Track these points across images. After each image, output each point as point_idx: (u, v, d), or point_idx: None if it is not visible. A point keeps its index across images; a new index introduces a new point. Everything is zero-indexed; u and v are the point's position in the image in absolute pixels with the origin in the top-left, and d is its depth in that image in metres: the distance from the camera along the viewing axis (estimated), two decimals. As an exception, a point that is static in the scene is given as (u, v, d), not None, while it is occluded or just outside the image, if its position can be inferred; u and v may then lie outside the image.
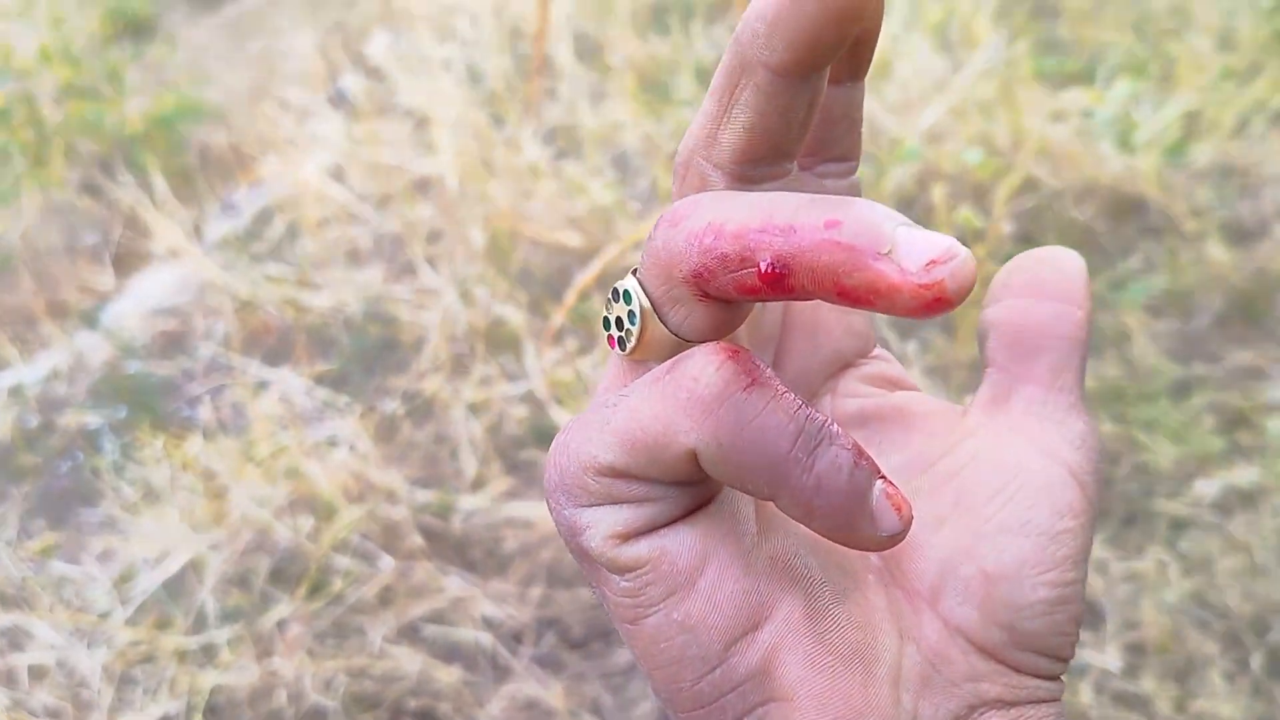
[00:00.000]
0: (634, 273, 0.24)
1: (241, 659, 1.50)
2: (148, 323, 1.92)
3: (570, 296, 1.59)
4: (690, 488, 0.24)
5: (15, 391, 1.91)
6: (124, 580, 1.61)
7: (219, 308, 1.86)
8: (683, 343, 0.24)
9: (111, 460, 1.74)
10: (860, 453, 0.22)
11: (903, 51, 2.42)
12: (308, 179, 1.99)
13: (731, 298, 0.22)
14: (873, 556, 0.27)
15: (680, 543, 0.24)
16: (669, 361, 0.23)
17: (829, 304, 0.29)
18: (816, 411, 0.22)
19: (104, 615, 1.58)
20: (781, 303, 0.29)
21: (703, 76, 2.32)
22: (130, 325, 1.91)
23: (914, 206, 2.12)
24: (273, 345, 1.83)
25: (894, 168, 2.15)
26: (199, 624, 1.58)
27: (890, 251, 0.19)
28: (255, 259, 1.95)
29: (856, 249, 0.19)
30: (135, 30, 3.44)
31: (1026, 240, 2.02)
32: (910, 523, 0.22)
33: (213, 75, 3.01)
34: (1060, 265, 0.29)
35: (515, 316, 1.86)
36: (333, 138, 2.08)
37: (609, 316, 0.25)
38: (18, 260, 2.85)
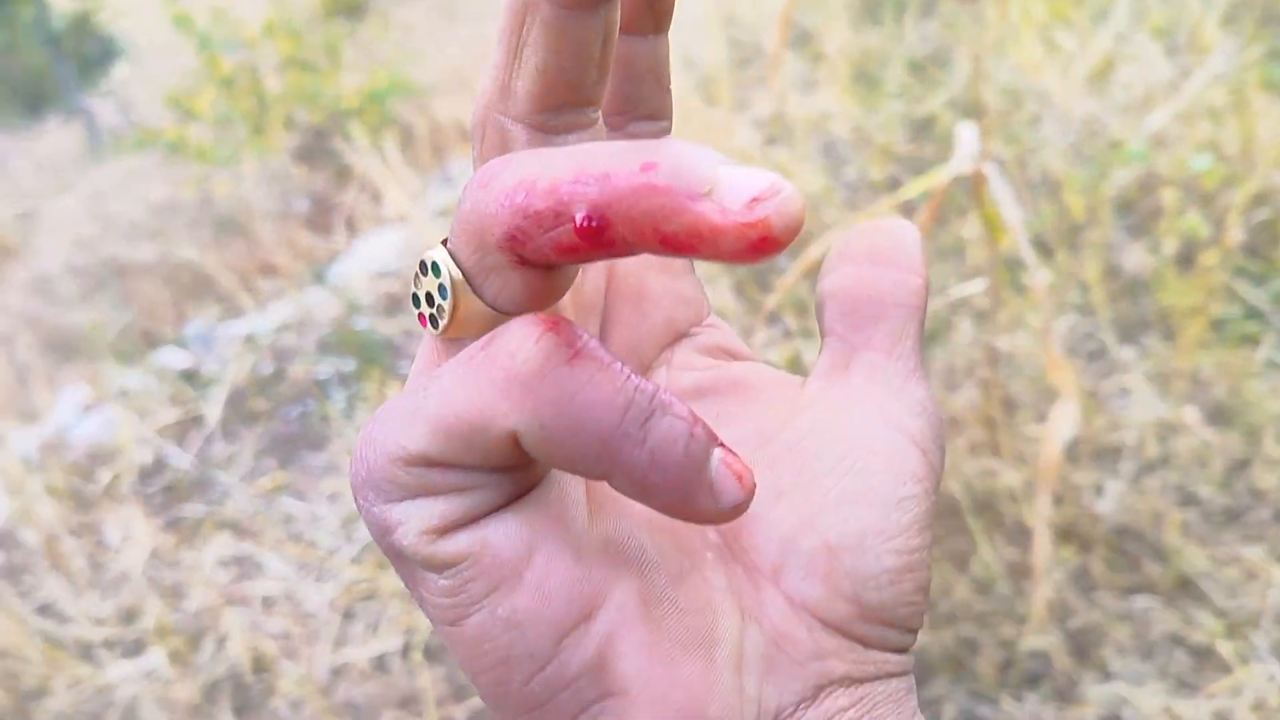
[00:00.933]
0: (444, 243, 0.22)
1: (458, 605, 1.57)
2: (372, 283, 2.02)
3: (789, 279, 1.60)
4: (513, 473, 0.22)
5: (250, 340, 2.04)
6: (350, 521, 1.71)
7: (441, 272, 1.94)
8: (500, 316, 0.22)
9: (340, 408, 1.84)
10: (695, 420, 0.20)
11: (1126, 53, 2.34)
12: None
13: (550, 261, 0.20)
14: (711, 533, 0.25)
15: (504, 533, 0.22)
16: (484, 337, 0.21)
17: (655, 269, 0.29)
18: (646, 381, 0.20)
19: (330, 553, 1.68)
20: (604, 272, 0.28)
21: (915, 69, 2.29)
22: (356, 284, 2.02)
23: (1136, 210, 2.05)
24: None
25: (1116, 169, 2.08)
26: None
27: (710, 192, 0.18)
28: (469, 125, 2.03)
29: (674, 190, 0.18)
30: (351, 8, 3.62)
31: (1257, 253, 1.93)
32: (753, 491, 0.21)
33: (423, 54, 3.13)
34: (896, 235, 0.28)
35: (720, 298, 1.88)
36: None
37: (417, 293, 0.23)
38: (239, 219, 3.05)
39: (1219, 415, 1.68)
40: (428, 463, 0.21)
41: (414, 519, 0.22)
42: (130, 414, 1.94)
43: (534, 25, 0.21)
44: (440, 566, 0.22)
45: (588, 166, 0.19)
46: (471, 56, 3.08)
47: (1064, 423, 1.45)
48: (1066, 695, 1.37)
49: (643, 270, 0.29)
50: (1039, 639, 1.39)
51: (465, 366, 0.21)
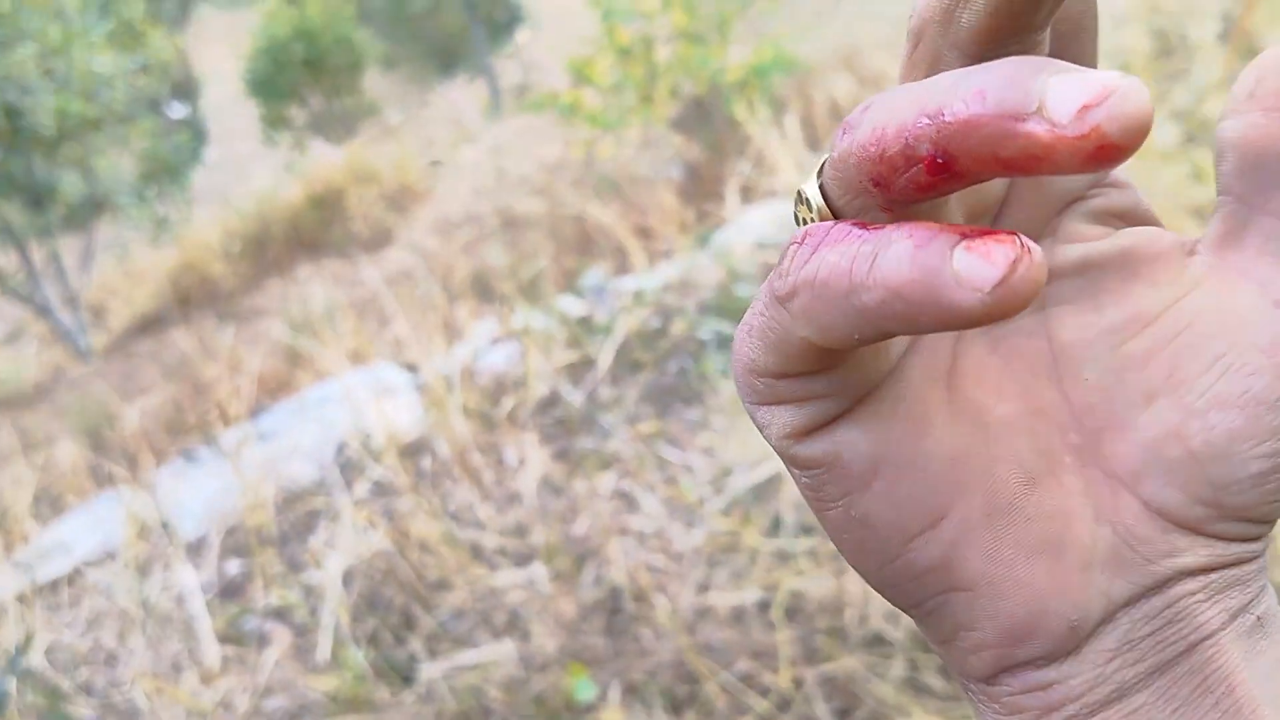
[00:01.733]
0: (818, 173, 0.23)
1: (820, 570, 1.63)
2: (753, 252, 2.10)
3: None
4: (843, 374, 0.23)
5: (638, 295, 2.20)
6: (720, 476, 1.81)
7: (826, 248, 1.99)
8: None
9: (718, 368, 1.95)
10: (934, 232, 0.19)
11: None
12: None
13: (913, 198, 0.20)
14: (1071, 434, 0.25)
15: (851, 445, 0.24)
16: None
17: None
18: (875, 231, 0.20)
19: (701, 501, 1.79)
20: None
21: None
22: (738, 251, 2.11)
23: None
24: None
25: None
26: (773, 529, 1.74)
27: (1040, 108, 0.17)
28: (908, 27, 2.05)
29: (1002, 115, 0.17)
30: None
31: None
32: (1015, 265, 0.18)
33: (810, 31, 3.18)
34: None
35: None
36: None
37: (796, 214, 0.24)
38: (621, 182, 3.26)
39: None
40: (771, 374, 0.23)
41: (775, 423, 0.24)
42: (535, 350, 2.15)
43: None
44: (801, 465, 0.25)
45: (926, 104, 0.19)
46: (857, 36, 3.08)
47: None
48: None
49: None
50: None
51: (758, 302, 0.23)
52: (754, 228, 2.27)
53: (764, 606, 1.64)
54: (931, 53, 0.23)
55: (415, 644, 1.76)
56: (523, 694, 1.61)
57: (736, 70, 3.12)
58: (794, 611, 1.64)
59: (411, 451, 2.11)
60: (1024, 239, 0.18)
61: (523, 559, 1.84)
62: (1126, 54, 2.17)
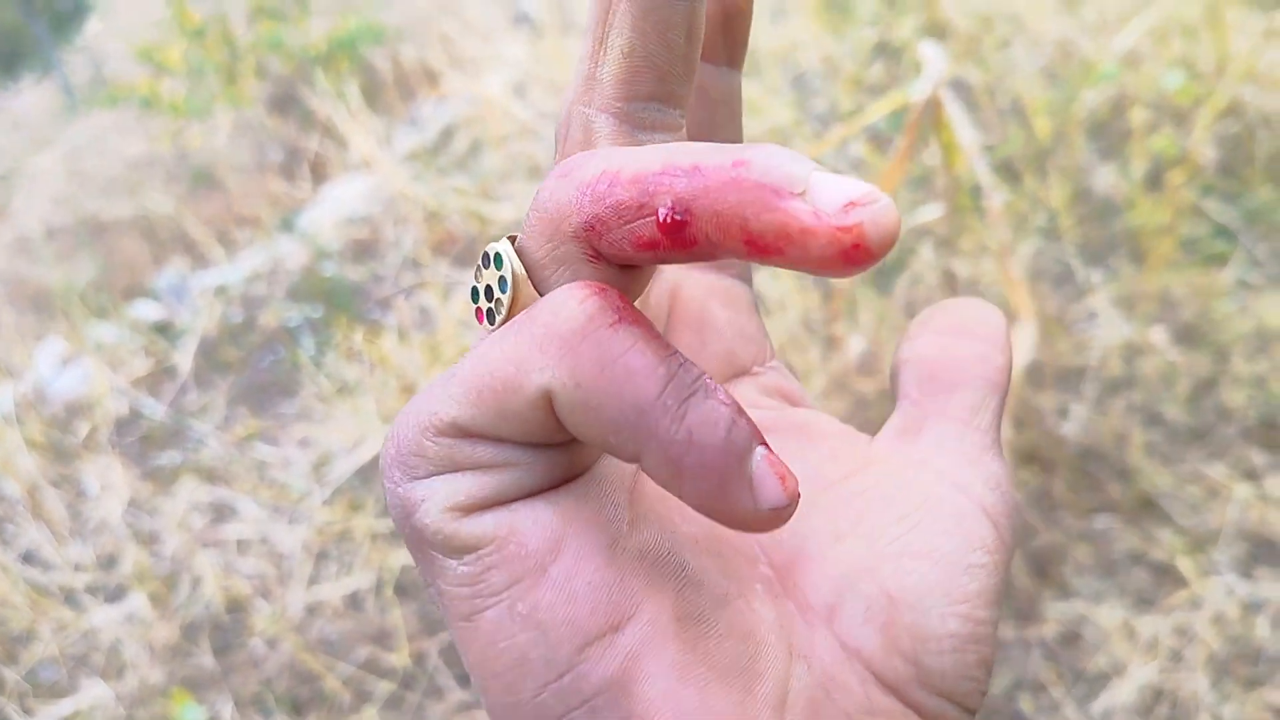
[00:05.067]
0: (509, 238, 0.21)
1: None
2: (341, 230, 2.02)
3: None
4: (548, 453, 0.21)
5: (220, 290, 2.05)
6: (320, 465, 1.73)
7: (408, 216, 1.94)
8: None
9: (309, 355, 1.85)
10: (739, 410, 0.19)
11: (1099, -29, 2.30)
12: (491, 96, 2.04)
13: (626, 256, 0.19)
14: (762, 564, 0.24)
15: (533, 519, 0.21)
16: (529, 307, 0.20)
17: (719, 299, 0.28)
18: (692, 362, 0.19)
19: (302, 496, 1.70)
20: (668, 295, 0.27)
21: (886, -4, 2.26)
22: (325, 231, 2.02)
23: (1108, 132, 2.03)
24: (458, 254, 1.90)
25: (1086, 90, 2.06)
26: (383, 509, 1.69)
27: (804, 193, 0.17)
28: (441, 171, 2.02)
29: (766, 187, 0.17)
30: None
31: (1229, 170, 1.92)
32: (795, 498, 0.19)
33: (392, -2, 3.11)
34: (981, 311, 0.27)
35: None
36: (515, 56, 2.12)
37: (477, 286, 0.22)
38: (214, 171, 3.03)
39: (1187, 336, 1.69)
40: (458, 431, 0.20)
41: (438, 494, 0.20)
42: (104, 366, 1.95)
43: (619, 7, 0.21)
44: (460, 550, 0.20)
45: (677, 159, 0.18)
46: (443, -2, 3.05)
47: (1021, 346, 1.45)
48: (1026, 614, 1.39)
49: (706, 298, 0.28)
50: (998, 559, 1.41)
51: (505, 329, 0.20)
52: (341, 204, 2.18)
53: (379, 588, 1.59)
54: (583, 129, 0.22)
55: (4, 704, 1.56)
56: (119, 740, 1.47)
57: (320, 43, 2.99)
58: (411, 587, 1.60)
59: (-29, 500, 1.86)
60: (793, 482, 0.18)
61: (115, 592, 1.67)
62: None
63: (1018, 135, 2.05)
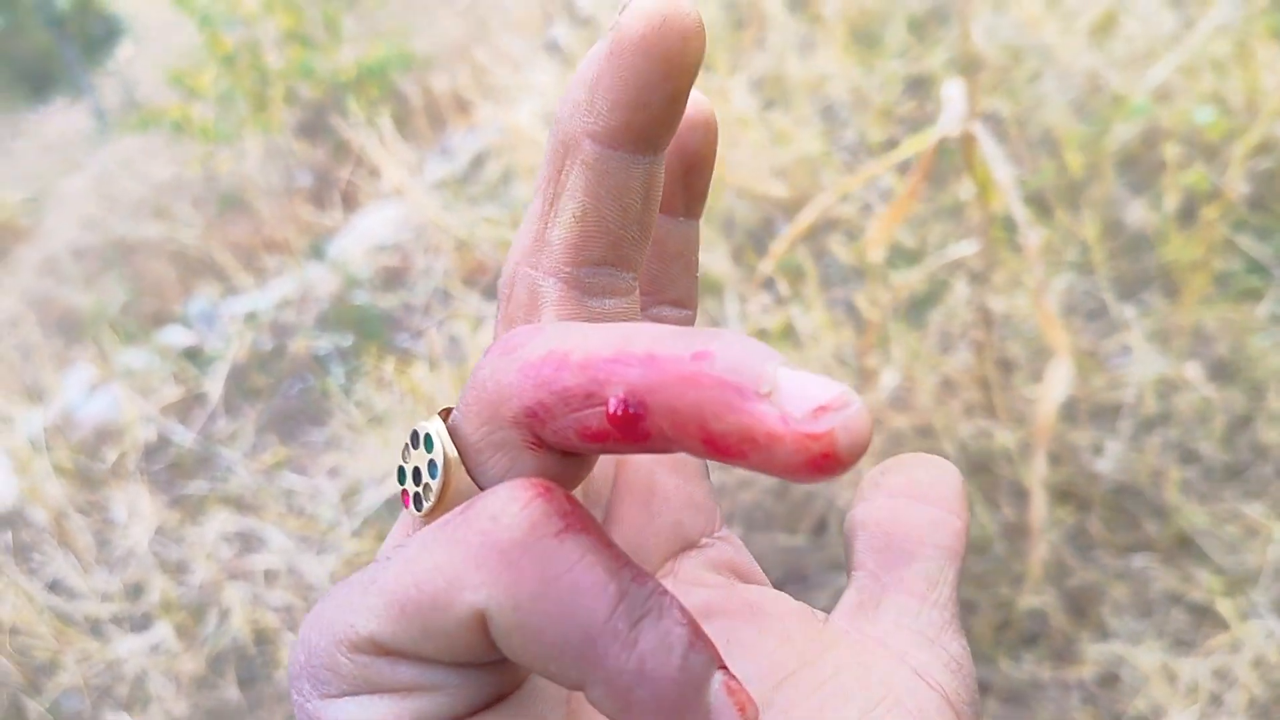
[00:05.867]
0: (441, 414, 0.20)
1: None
2: (371, 258, 2.02)
3: (783, 244, 1.59)
4: (477, 673, 0.19)
5: (251, 317, 2.06)
6: (349, 495, 1.73)
7: (438, 245, 1.94)
8: None
9: (339, 384, 1.86)
10: (697, 632, 0.17)
11: (1129, 6, 2.30)
12: (521, 125, 2.05)
13: (570, 446, 0.18)
14: None
15: None
16: (465, 503, 0.18)
17: (667, 468, 0.26)
18: (646, 573, 0.17)
19: (331, 527, 1.70)
20: (613, 464, 0.26)
21: (915, 27, 2.26)
22: (355, 259, 2.03)
23: (1139, 166, 2.02)
24: (488, 284, 1.90)
25: (1118, 125, 2.05)
26: (416, 541, 1.68)
27: (771, 393, 0.16)
28: (471, 201, 2.03)
29: (729, 385, 0.16)
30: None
31: (1262, 205, 1.90)
32: None
33: (421, 26, 3.13)
34: (937, 470, 0.26)
35: (717, 264, 1.87)
36: (545, 85, 2.13)
37: (404, 466, 0.20)
38: (243, 196, 3.06)
39: (1221, 371, 1.67)
40: (376, 649, 0.18)
41: None
42: (134, 393, 1.96)
43: (573, 168, 0.20)
44: None
45: (631, 345, 0.17)
46: (471, 25, 3.07)
47: (1059, 382, 1.44)
48: (1064, 655, 1.37)
49: (654, 467, 0.26)
50: (1036, 598, 1.39)
51: (438, 533, 0.18)
52: (372, 232, 2.19)
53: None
54: (528, 291, 0.21)
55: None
56: (145, 772, 1.46)
57: (350, 70, 3.02)
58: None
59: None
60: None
61: (141, 622, 1.67)
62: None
63: (1049, 168, 2.04)
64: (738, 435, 0.16)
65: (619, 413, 0.17)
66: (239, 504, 1.78)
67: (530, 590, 0.17)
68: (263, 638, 1.57)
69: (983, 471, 1.53)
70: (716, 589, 0.25)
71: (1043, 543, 1.42)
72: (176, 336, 2.12)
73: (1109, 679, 1.34)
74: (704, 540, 0.26)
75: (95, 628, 1.67)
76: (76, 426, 2.01)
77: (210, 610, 1.62)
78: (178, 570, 1.70)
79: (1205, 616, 1.38)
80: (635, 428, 0.17)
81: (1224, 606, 1.36)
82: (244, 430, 1.89)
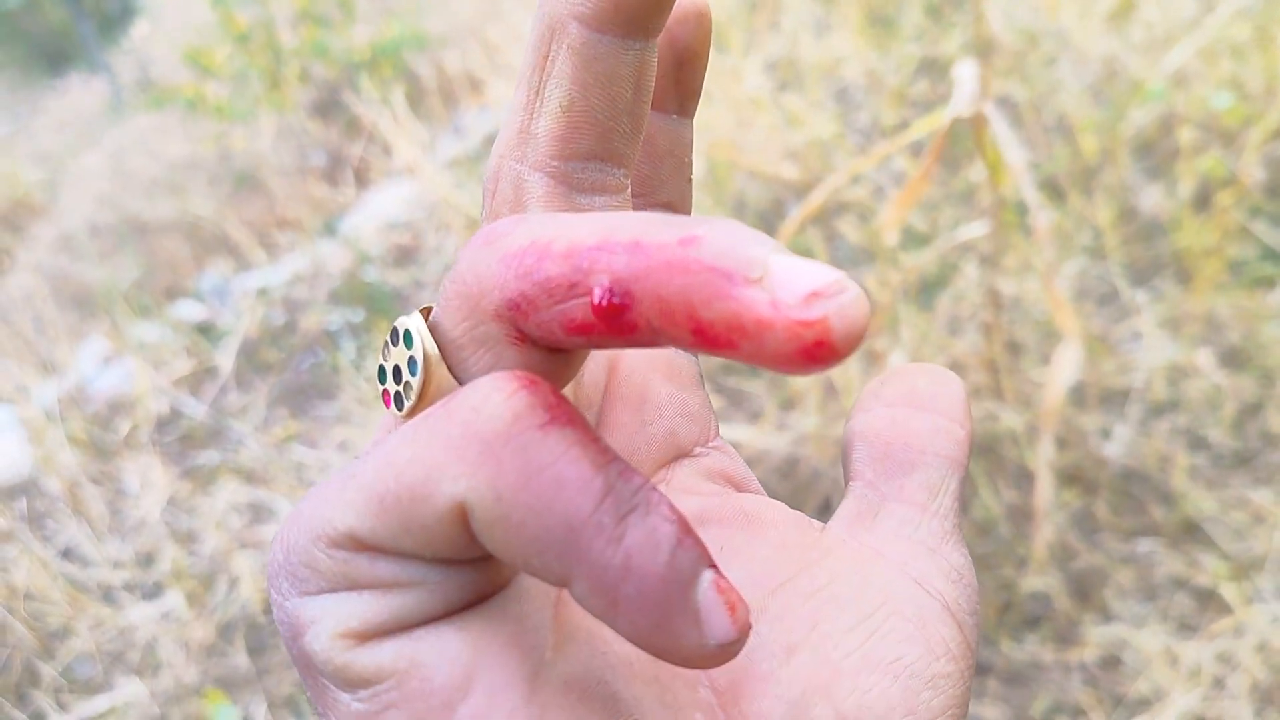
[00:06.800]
0: (423, 311, 0.19)
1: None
2: (383, 235, 2.03)
3: (793, 225, 1.59)
4: (459, 570, 0.18)
5: (262, 292, 2.07)
6: (359, 469, 1.74)
7: (449, 224, 1.95)
8: None
9: (350, 359, 1.87)
10: (686, 529, 0.16)
11: (1148, -11, 2.29)
12: (534, 103, 2.05)
13: (555, 340, 0.17)
14: (703, 689, 0.21)
15: (440, 651, 0.18)
16: (446, 397, 0.18)
17: (661, 374, 0.25)
18: (634, 470, 0.17)
19: (341, 499, 1.71)
20: (605, 369, 0.25)
21: (931, 10, 2.25)
22: (366, 236, 2.03)
23: (1155, 151, 2.01)
24: (498, 260, 1.91)
25: (1134, 110, 2.04)
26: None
27: (761, 279, 0.15)
28: (483, 179, 2.04)
29: (718, 271, 0.15)
30: (365, -40, 3.64)
31: (1278, 193, 1.89)
32: (747, 631, 0.16)
33: (434, 4, 3.13)
34: (938, 379, 0.25)
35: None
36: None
37: (384, 365, 0.20)
38: (257, 173, 3.07)
39: (1232, 358, 1.66)
40: (355, 544, 0.17)
41: (330, 616, 0.18)
42: (147, 366, 1.97)
43: (559, 54, 0.19)
44: (355, 683, 0.18)
45: (616, 232, 0.16)
46: (483, 3, 3.07)
47: (1067, 365, 1.44)
48: (1066, 637, 1.37)
49: (647, 373, 0.25)
50: (1039, 580, 1.40)
51: (416, 425, 0.17)
52: (384, 210, 2.20)
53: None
54: (513, 186, 0.20)
55: (41, 699, 1.58)
56: (154, 737, 1.48)
57: (364, 49, 3.02)
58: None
59: (14, 494, 1.89)
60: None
61: (152, 590, 1.69)
62: (714, 7, 2.27)
63: (1063, 153, 2.03)
64: (726, 323, 0.15)
65: (604, 303, 0.16)
66: (249, 476, 1.80)
67: (512, 482, 0.16)
68: (268, 607, 1.59)
69: (989, 454, 1.53)
70: (710, 497, 0.25)
71: (1048, 525, 1.42)
72: (189, 311, 2.13)
73: (1111, 661, 1.34)
74: (698, 449, 0.26)
75: (107, 595, 1.69)
76: (90, 398, 2.03)
77: (220, 579, 1.63)
78: (189, 539, 1.71)
79: (1209, 601, 1.38)
80: (621, 318, 0.16)
81: (1229, 591, 1.36)
82: (255, 403, 1.91)
